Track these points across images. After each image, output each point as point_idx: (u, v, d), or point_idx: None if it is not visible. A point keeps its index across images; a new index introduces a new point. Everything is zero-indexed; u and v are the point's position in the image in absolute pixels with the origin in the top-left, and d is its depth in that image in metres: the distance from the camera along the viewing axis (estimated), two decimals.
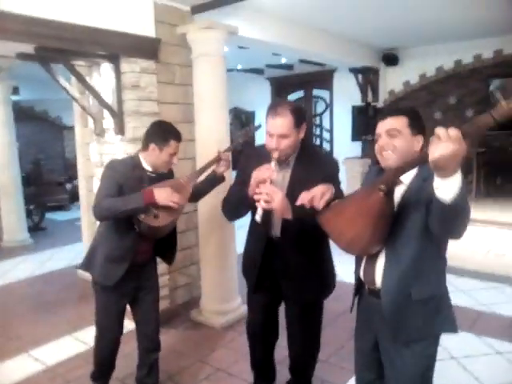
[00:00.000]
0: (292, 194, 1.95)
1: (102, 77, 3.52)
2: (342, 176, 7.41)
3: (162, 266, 3.65)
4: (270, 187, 1.91)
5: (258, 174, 1.96)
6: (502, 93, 5.75)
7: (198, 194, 2.66)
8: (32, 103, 9.37)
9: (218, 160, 2.57)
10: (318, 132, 8.46)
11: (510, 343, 3.19)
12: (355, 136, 7.12)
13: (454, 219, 1.34)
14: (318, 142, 8.43)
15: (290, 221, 1.97)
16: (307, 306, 2.30)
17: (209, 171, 2.66)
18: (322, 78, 8.10)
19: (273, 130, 2.01)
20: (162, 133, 2.32)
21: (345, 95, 7.52)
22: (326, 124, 8.37)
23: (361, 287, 1.86)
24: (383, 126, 1.66)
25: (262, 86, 8.89)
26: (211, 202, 3.54)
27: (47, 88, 7.96)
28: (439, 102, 6.75)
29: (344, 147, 7.39)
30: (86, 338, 3.42)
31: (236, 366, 3.02)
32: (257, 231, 2.23)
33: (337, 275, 2.33)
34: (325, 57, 5.89)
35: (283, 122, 1.99)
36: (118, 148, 3.44)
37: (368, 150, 7.16)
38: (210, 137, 3.53)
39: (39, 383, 2.92)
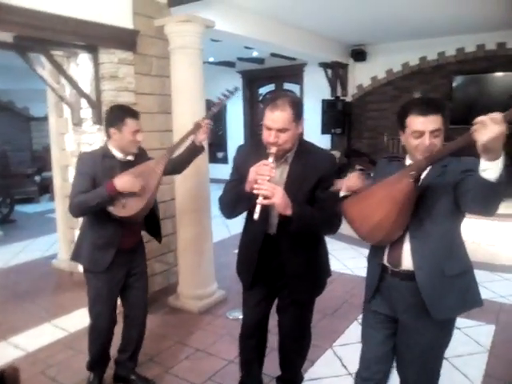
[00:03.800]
0: (290, 190, 1.93)
1: (80, 67, 3.56)
2: None
3: None
4: (269, 183, 1.85)
5: (257, 170, 1.89)
6: None
7: (177, 166, 2.68)
8: None
9: (198, 127, 2.57)
10: None
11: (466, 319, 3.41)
12: (325, 129, 7.32)
13: (495, 197, 1.46)
14: None
15: (288, 218, 1.91)
16: (301, 303, 2.28)
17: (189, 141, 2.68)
18: (293, 72, 8.27)
19: (272, 123, 1.91)
20: (116, 115, 2.36)
21: (315, 89, 7.71)
22: None
23: (382, 272, 1.86)
24: (427, 124, 1.62)
25: (233, 79, 8.95)
26: (188, 192, 3.65)
27: (13, 78, 7.81)
28: (404, 97, 7.04)
29: (314, 140, 7.53)
30: (65, 325, 3.49)
31: (214, 346, 3.16)
32: (253, 228, 2.15)
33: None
34: (296, 51, 6.06)
35: (283, 116, 1.90)
36: (96, 137, 3.49)
37: (337, 143, 7.39)
38: (187, 127, 3.58)
39: (20, 368, 2.95)
